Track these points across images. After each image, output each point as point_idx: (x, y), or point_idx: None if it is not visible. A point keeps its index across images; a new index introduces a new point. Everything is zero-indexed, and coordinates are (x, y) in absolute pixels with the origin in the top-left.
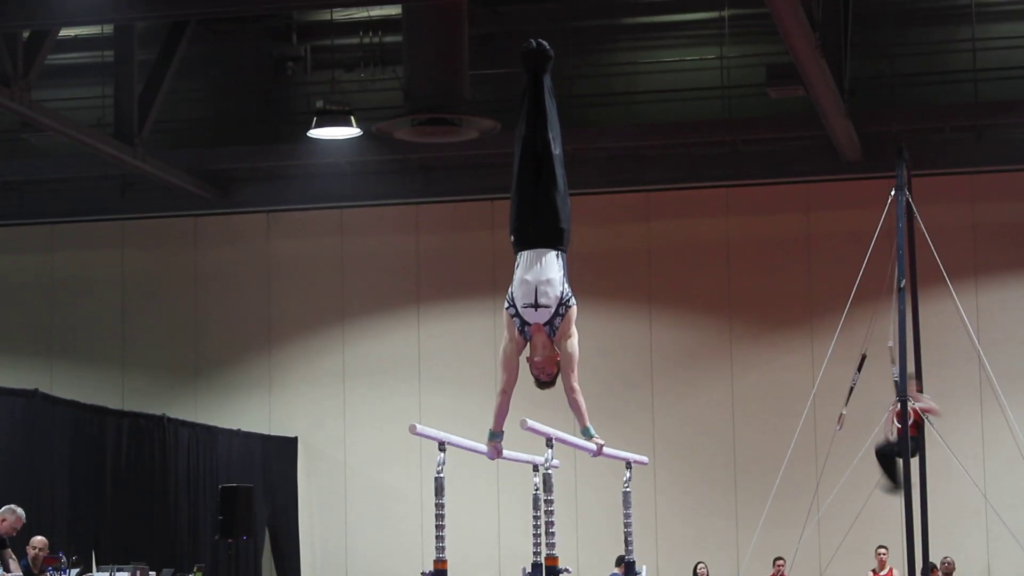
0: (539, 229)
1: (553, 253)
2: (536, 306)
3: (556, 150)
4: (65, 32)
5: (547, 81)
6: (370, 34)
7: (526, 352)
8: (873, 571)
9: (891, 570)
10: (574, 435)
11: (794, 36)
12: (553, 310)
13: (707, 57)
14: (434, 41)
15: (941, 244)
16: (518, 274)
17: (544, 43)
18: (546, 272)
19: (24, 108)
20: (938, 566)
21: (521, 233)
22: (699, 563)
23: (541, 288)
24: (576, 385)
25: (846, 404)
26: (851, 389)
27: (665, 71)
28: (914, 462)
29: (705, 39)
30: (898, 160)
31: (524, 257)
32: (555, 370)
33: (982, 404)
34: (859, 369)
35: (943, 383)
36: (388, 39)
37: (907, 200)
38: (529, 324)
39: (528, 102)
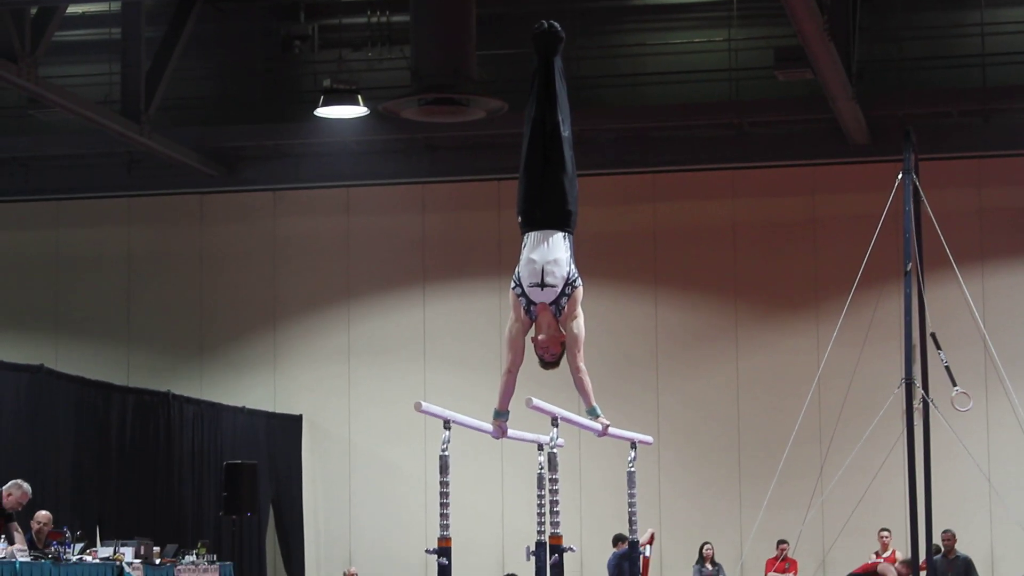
0: (546, 210)
1: (560, 234)
2: (542, 285)
3: (565, 132)
4: (72, 9)
5: (558, 63)
6: (377, 13)
7: (532, 332)
8: (876, 553)
9: (894, 552)
10: (579, 414)
11: (802, 19)
12: (559, 290)
13: (715, 39)
14: (442, 20)
15: (948, 228)
16: (524, 254)
17: (556, 24)
18: (553, 252)
19: (31, 84)
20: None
21: (528, 214)
22: (705, 543)
23: (548, 268)
24: (582, 365)
25: (955, 384)
26: (947, 368)
27: (673, 53)
28: (918, 445)
29: (713, 21)
30: (905, 144)
31: (531, 238)
32: (560, 350)
33: (987, 387)
34: (939, 347)
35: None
36: (396, 18)
37: (914, 184)
38: (535, 304)
39: (538, 83)
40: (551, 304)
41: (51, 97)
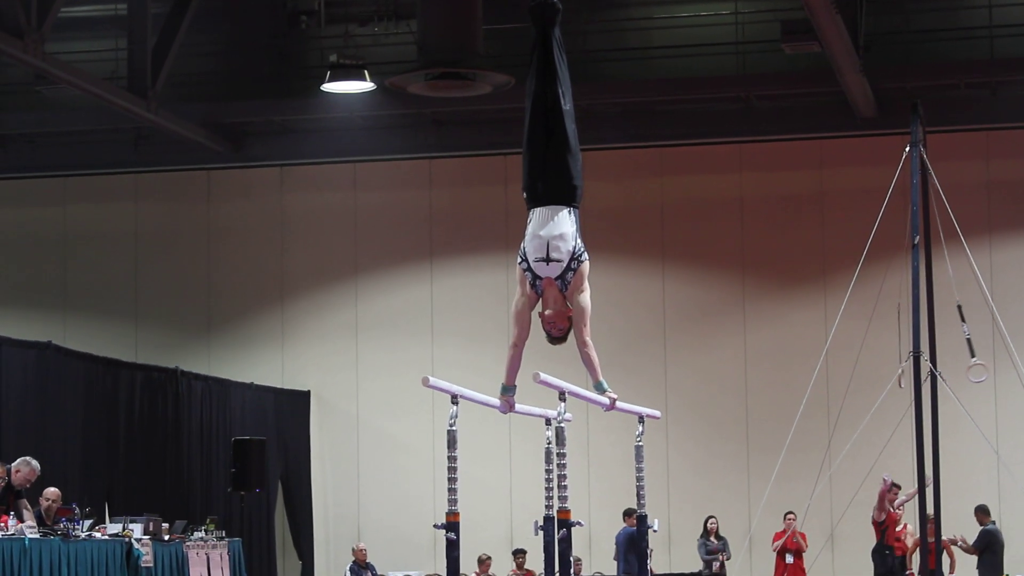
0: (551, 185)
1: (566, 209)
2: (548, 260)
3: (566, 105)
4: None
5: (557, 35)
6: None
7: (539, 307)
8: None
9: (905, 526)
10: (587, 389)
11: None
12: (565, 264)
13: (721, 12)
14: None
15: (955, 201)
16: (530, 229)
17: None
18: (558, 227)
19: (38, 60)
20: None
21: (533, 189)
22: (709, 517)
23: (553, 243)
24: (588, 339)
25: (973, 355)
26: (969, 341)
27: (679, 26)
28: (926, 418)
29: None
30: (913, 116)
31: (536, 213)
32: (567, 325)
33: (995, 360)
34: (963, 320)
35: (956, 339)
36: None
37: (921, 157)
38: (541, 279)
39: (537, 57)
40: (557, 279)
41: (57, 73)
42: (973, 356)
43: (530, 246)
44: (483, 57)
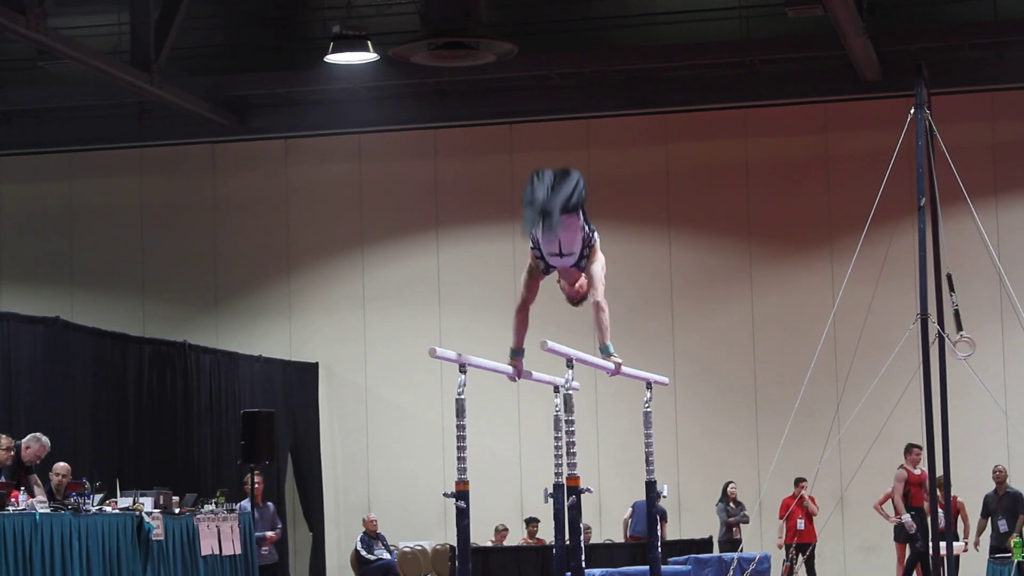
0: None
1: (572, 214)
2: (562, 255)
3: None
4: None
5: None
6: None
7: (553, 275)
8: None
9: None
10: (595, 355)
11: None
12: (578, 254)
13: None
14: None
15: (961, 163)
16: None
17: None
18: (569, 228)
19: (40, 35)
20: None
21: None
22: (729, 482)
23: (565, 239)
24: (602, 301)
25: (960, 329)
26: (956, 313)
27: None
28: (934, 381)
29: None
30: (917, 79)
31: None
32: (586, 290)
33: (1003, 322)
34: (952, 290)
35: (964, 302)
36: None
37: (927, 119)
38: (554, 267)
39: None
40: (572, 266)
41: (60, 48)
42: (960, 330)
43: (543, 239)
44: (486, 26)
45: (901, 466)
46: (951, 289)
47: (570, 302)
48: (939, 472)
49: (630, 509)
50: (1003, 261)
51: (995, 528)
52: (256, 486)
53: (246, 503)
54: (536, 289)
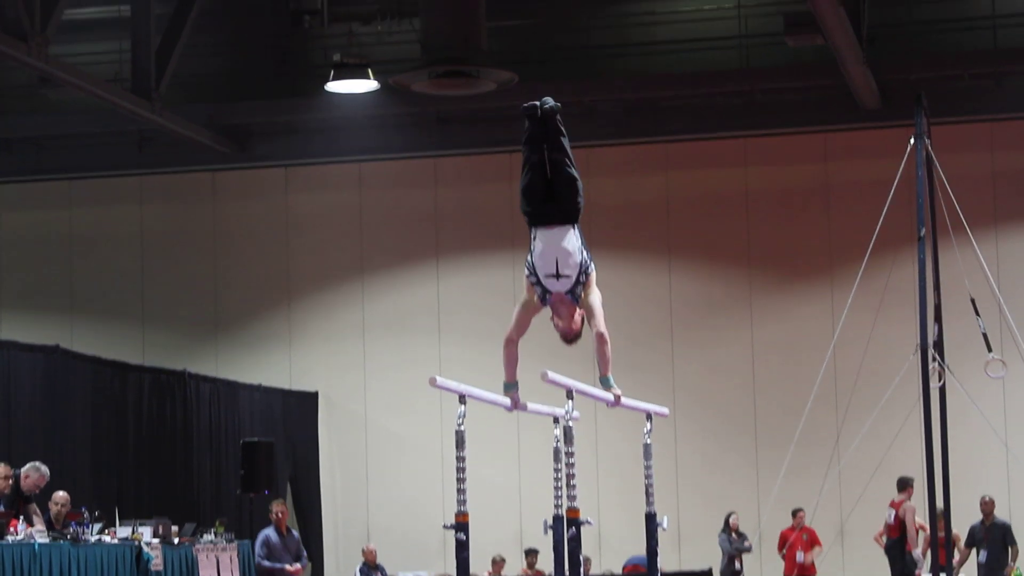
0: (554, 212)
1: (570, 227)
2: (558, 276)
3: (569, 163)
4: None
5: (558, 120)
6: None
7: (547, 312)
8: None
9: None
10: (595, 386)
11: None
12: (574, 279)
13: (724, 6)
14: None
15: (961, 192)
16: (537, 247)
17: (548, 101)
18: (566, 244)
19: (41, 63)
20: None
21: (536, 215)
22: (731, 513)
23: (562, 259)
24: (604, 332)
25: (990, 350)
26: (985, 335)
27: (682, 21)
28: (935, 411)
29: None
30: (917, 108)
31: (540, 232)
32: (580, 328)
33: (1003, 352)
34: (977, 313)
35: (963, 331)
36: None
37: (926, 148)
38: (551, 293)
39: (537, 138)
40: (567, 292)
41: (61, 76)
42: (990, 351)
43: (539, 262)
44: (487, 54)
45: (909, 498)
46: (976, 312)
47: (564, 339)
48: (939, 501)
49: None
50: (1002, 290)
51: (977, 559)
52: (280, 515)
53: (271, 531)
54: (527, 324)
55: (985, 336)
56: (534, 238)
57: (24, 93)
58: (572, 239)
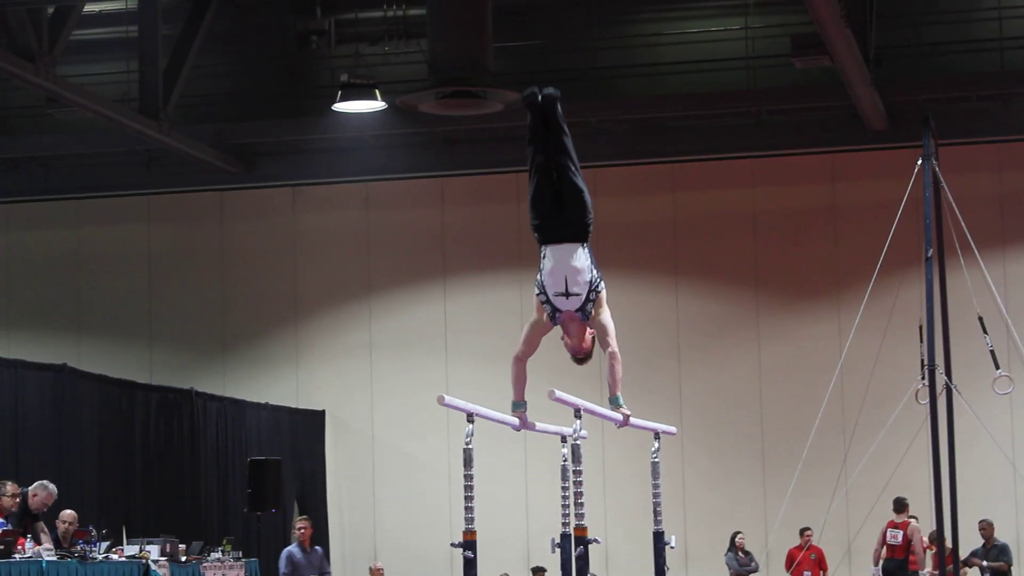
0: (564, 229)
1: (579, 245)
2: (568, 295)
3: (574, 167)
4: (89, 7)
5: (558, 115)
6: (394, 7)
7: (557, 331)
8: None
9: (921, 539)
10: (602, 405)
11: (819, 5)
12: (584, 296)
13: (732, 27)
14: (458, 13)
15: (968, 214)
16: (547, 265)
17: (548, 90)
18: (575, 262)
19: (49, 84)
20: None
21: (545, 233)
22: (737, 532)
23: (571, 277)
24: (616, 351)
25: (998, 367)
26: (992, 353)
27: (690, 42)
28: (942, 431)
29: (730, 9)
30: (924, 129)
31: (550, 250)
32: (590, 347)
33: (1010, 372)
34: (985, 332)
35: (971, 353)
36: (412, 11)
37: (934, 169)
38: (560, 311)
39: (539, 134)
40: (577, 311)
41: (69, 96)
42: (998, 368)
43: (548, 280)
44: (494, 75)
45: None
46: (984, 331)
47: (575, 358)
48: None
49: None
50: (1010, 311)
51: None
52: (303, 530)
53: (294, 547)
54: (537, 343)
55: (993, 353)
56: (544, 256)
57: (32, 113)
58: (582, 257)
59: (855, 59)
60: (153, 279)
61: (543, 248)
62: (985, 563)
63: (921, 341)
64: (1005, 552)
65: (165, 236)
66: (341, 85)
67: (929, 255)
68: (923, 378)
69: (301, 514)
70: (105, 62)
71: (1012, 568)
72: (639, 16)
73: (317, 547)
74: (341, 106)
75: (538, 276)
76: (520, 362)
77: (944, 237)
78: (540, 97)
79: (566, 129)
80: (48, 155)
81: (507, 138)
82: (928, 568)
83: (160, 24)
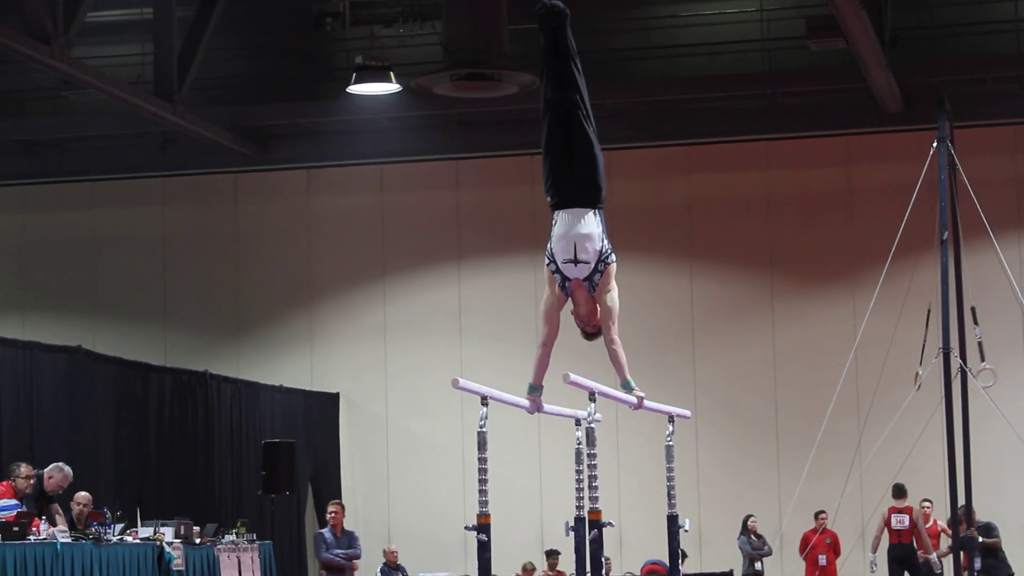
0: (575, 188)
1: (591, 211)
2: (576, 261)
3: (585, 109)
4: None
5: (569, 39)
6: None
7: (569, 306)
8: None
9: (935, 522)
10: (616, 389)
11: None
12: (592, 266)
13: (747, 9)
14: None
15: (984, 196)
16: (556, 231)
17: (557, 2)
18: (585, 227)
19: (64, 65)
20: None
21: (557, 193)
22: (750, 516)
23: (580, 243)
24: (616, 338)
25: (983, 359)
26: (980, 344)
27: (704, 24)
28: (956, 414)
29: None
30: (940, 112)
31: (561, 215)
32: (599, 320)
33: None
34: (976, 322)
35: (986, 336)
36: None
37: (949, 152)
38: (569, 280)
39: (549, 63)
40: (585, 280)
41: (84, 78)
42: (983, 360)
43: (557, 247)
44: (508, 57)
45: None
46: (975, 322)
47: (584, 333)
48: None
49: None
50: None
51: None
52: (335, 515)
53: (327, 531)
54: (556, 323)
55: (980, 345)
56: (555, 222)
57: (47, 95)
58: (592, 223)
59: (870, 41)
60: (168, 261)
61: (555, 214)
62: (981, 539)
63: (927, 325)
64: (992, 530)
65: (179, 218)
66: (356, 67)
67: (944, 238)
68: (921, 363)
69: (315, 496)
70: (120, 44)
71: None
72: None
73: (352, 531)
74: (356, 88)
75: (548, 246)
76: (545, 347)
77: (960, 220)
78: (548, 4)
79: (576, 57)
80: (63, 137)
81: (522, 120)
82: (943, 549)
83: (175, 6)
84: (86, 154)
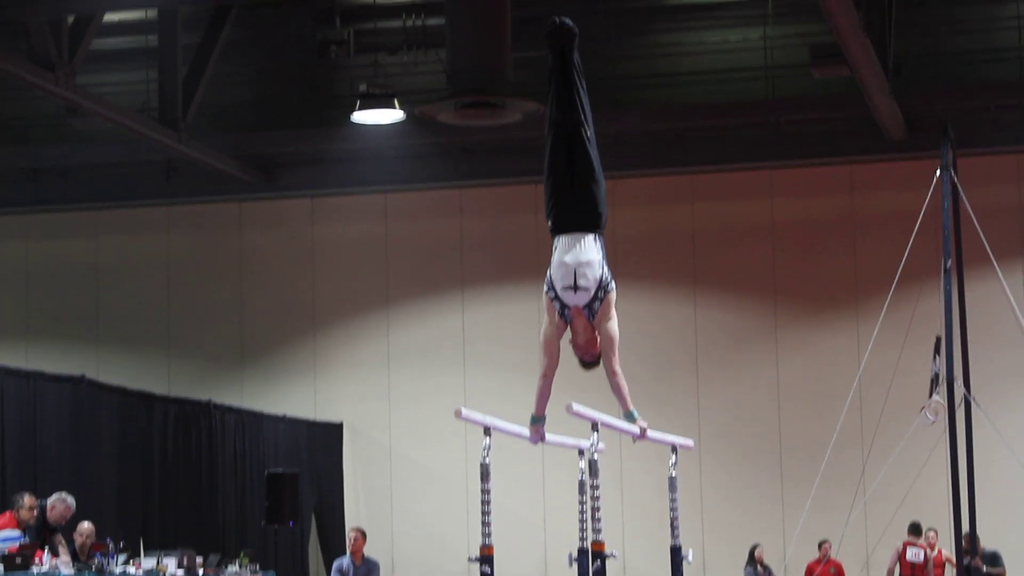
0: (575, 213)
1: (591, 236)
2: (575, 288)
3: (588, 132)
4: (109, 17)
5: (575, 59)
6: (413, 17)
7: (568, 335)
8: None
9: (940, 552)
10: (619, 418)
11: (838, 15)
12: (592, 293)
13: (751, 37)
14: (477, 23)
15: (988, 224)
16: (556, 257)
17: (567, 20)
18: (585, 254)
19: (69, 93)
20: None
21: (558, 218)
22: (756, 545)
23: (580, 270)
24: (617, 368)
25: (932, 395)
26: (935, 377)
27: (708, 52)
28: (961, 445)
29: (748, 19)
30: (943, 139)
31: (562, 240)
32: (599, 350)
33: None
34: (936, 353)
35: (990, 366)
36: (431, 22)
37: (953, 180)
38: (569, 307)
39: (556, 83)
40: (584, 307)
41: (89, 105)
42: (932, 395)
43: (556, 274)
44: (513, 85)
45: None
46: (936, 352)
47: (582, 362)
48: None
49: None
50: None
51: None
52: (355, 541)
53: (345, 559)
54: (556, 353)
55: (934, 378)
56: (555, 248)
57: (51, 123)
58: (592, 249)
59: (874, 69)
60: (171, 289)
61: (555, 239)
62: (986, 568)
63: (935, 356)
64: (997, 559)
65: (183, 246)
66: (360, 95)
67: (948, 266)
68: (930, 396)
69: (319, 526)
70: (125, 71)
71: None
72: (658, 26)
73: (371, 558)
74: (360, 116)
75: (547, 272)
76: (546, 378)
77: (963, 248)
78: (558, 23)
79: (583, 78)
80: (67, 165)
81: (526, 148)
82: None
83: (179, 34)
84: (90, 182)
